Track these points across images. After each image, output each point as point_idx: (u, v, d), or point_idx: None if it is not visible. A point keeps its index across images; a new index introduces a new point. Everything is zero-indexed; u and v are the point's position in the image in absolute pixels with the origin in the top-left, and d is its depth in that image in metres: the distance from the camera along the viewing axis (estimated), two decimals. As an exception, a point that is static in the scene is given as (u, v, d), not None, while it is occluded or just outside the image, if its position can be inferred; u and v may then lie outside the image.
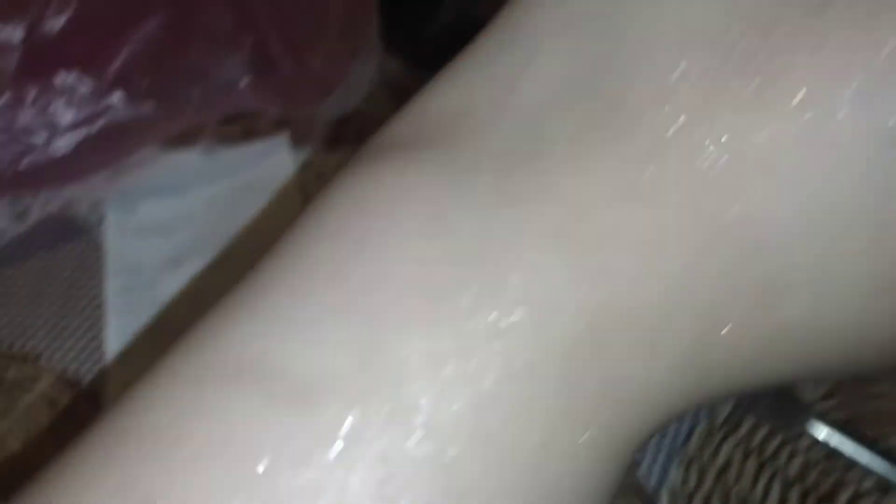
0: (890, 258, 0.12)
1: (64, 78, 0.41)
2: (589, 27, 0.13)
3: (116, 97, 0.40)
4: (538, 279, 0.12)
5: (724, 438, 0.37)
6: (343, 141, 0.48)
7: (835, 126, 0.11)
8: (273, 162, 0.46)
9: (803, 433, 0.36)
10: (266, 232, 0.44)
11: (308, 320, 0.12)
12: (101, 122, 0.40)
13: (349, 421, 0.11)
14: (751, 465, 0.36)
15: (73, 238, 0.44)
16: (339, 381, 0.11)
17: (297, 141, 0.48)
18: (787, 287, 0.12)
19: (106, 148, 0.41)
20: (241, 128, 0.48)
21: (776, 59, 0.12)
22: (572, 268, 0.12)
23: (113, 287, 0.40)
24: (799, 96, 0.11)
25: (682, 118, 0.12)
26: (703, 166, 0.12)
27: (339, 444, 0.11)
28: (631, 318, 0.12)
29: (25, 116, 0.41)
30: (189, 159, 0.46)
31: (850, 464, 0.35)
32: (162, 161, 0.45)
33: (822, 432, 0.36)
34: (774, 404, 0.37)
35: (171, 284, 0.42)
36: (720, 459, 0.37)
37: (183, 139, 0.47)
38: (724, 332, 0.12)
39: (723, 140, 0.12)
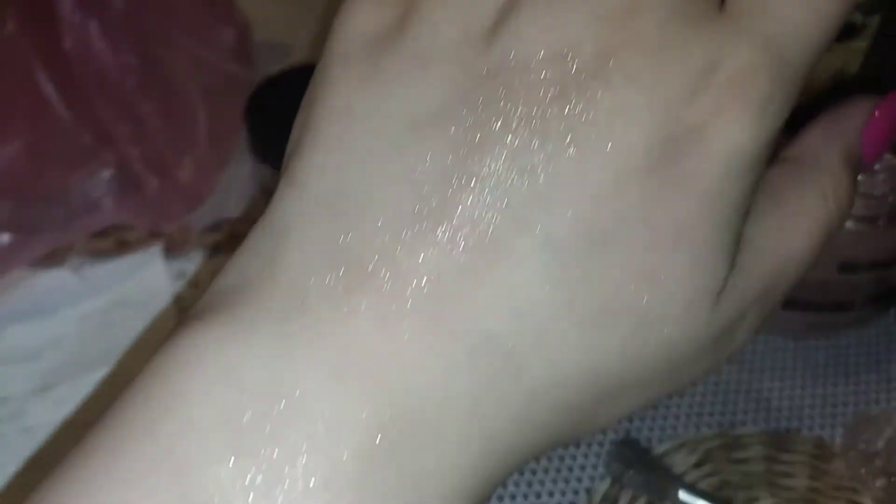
0: (582, 314, 0.15)
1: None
2: (322, 211, 0.16)
3: (-29, 228, 0.40)
4: (323, 407, 0.14)
5: (603, 517, 0.37)
6: (224, 248, 0.48)
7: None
8: (146, 274, 0.46)
9: (676, 503, 0.37)
10: (140, 349, 0.43)
11: (121, 480, 0.14)
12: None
13: None
14: (631, 540, 0.37)
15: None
16: None
17: (173, 251, 0.48)
18: (521, 363, 0.15)
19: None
20: (113, 240, 0.48)
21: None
22: (350, 392, 0.14)
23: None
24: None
25: (391, 276, 0.15)
26: (436, 290, 0.15)
27: None
28: (414, 421, 0.14)
29: None
30: (58, 278, 0.45)
31: (722, 531, 0.36)
32: (29, 282, 0.44)
33: (694, 502, 0.37)
34: (647, 478, 0.38)
35: (41, 412, 0.41)
36: (602, 538, 0.37)
37: (51, 257, 0.46)
38: (487, 409, 0.15)
39: (427, 269, 0.15)
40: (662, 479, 0.38)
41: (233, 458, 0.14)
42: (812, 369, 0.43)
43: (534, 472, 0.39)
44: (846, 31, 0.53)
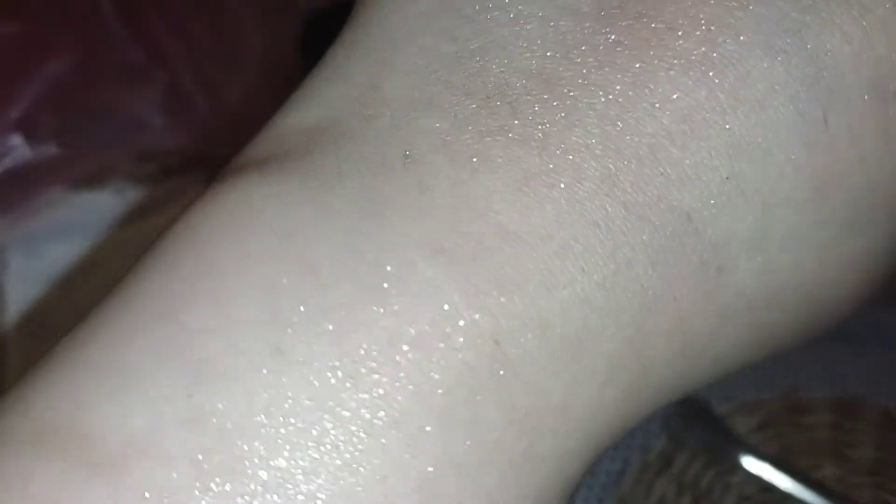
0: (835, 204, 0.11)
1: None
2: (447, 14, 0.11)
3: (17, 139, 0.38)
4: (418, 300, 0.10)
5: (658, 475, 0.36)
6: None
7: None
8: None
9: (737, 467, 0.35)
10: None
11: (123, 374, 0.10)
12: (1, 165, 0.38)
13: (157, 485, 0.09)
14: (685, 500, 0.35)
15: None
16: (151, 442, 0.10)
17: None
18: (726, 263, 0.11)
19: (7, 191, 0.39)
20: (157, 165, 0.47)
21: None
22: (460, 284, 0.10)
23: (17, 338, 0.38)
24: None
25: (548, 104, 0.10)
26: (613, 136, 0.10)
27: None
28: (543, 332, 0.10)
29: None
30: (99, 200, 0.44)
31: (784, 497, 0.34)
32: (69, 202, 0.43)
33: (754, 466, 0.35)
34: (707, 438, 0.36)
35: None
36: (654, 496, 0.36)
37: (94, 179, 0.45)
38: (655, 326, 0.11)
39: (623, 111, 0.10)
40: (724, 441, 0.36)
41: (273, 372, 0.10)
42: (879, 335, 0.42)
43: (590, 423, 0.37)
44: None
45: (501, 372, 0.10)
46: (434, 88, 0.11)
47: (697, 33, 0.10)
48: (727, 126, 0.10)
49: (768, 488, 0.35)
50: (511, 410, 0.10)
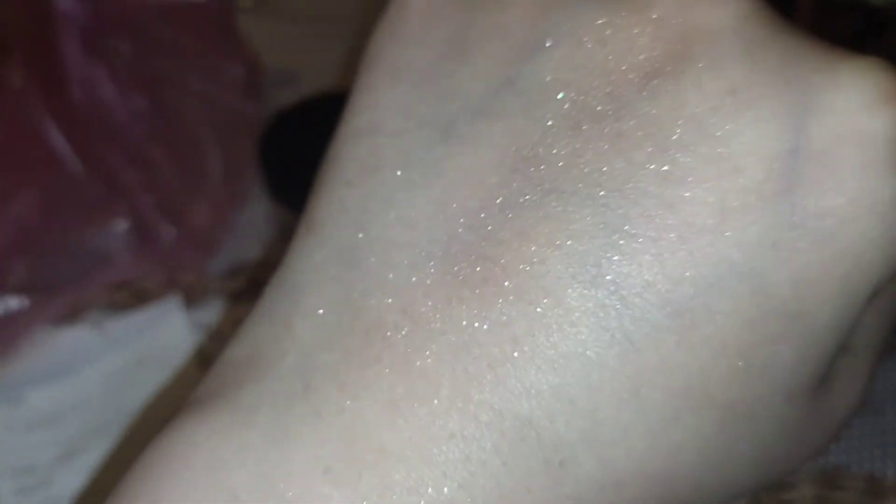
0: (652, 402, 0.13)
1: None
2: (339, 264, 0.14)
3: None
4: None
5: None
6: (244, 294, 0.47)
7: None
8: (167, 327, 0.45)
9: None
10: (163, 406, 0.42)
11: None
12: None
13: None
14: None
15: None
16: None
17: (192, 299, 0.47)
18: (566, 457, 0.13)
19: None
20: (131, 292, 0.47)
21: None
22: (347, 496, 0.12)
23: (7, 490, 0.38)
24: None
25: (412, 336, 0.13)
26: (462, 361, 0.13)
27: None
28: None
29: None
30: (78, 337, 0.44)
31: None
32: (48, 342, 0.44)
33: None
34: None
35: (69, 479, 0.40)
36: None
37: (70, 314, 0.45)
38: None
39: (453, 336, 0.13)
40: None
41: None
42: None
43: None
44: (880, 29, 0.51)
45: None
46: (329, 328, 0.13)
47: (523, 268, 0.12)
48: (552, 345, 0.12)
49: (757, 573, 0.35)
50: None
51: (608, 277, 0.12)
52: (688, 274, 0.12)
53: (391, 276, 0.13)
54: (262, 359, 0.14)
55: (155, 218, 0.45)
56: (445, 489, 0.12)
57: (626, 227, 0.12)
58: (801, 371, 0.13)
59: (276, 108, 0.48)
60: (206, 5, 0.48)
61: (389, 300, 0.13)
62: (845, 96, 0.12)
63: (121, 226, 0.44)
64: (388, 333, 0.13)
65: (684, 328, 0.12)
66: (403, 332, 0.13)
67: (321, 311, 0.14)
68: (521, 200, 0.13)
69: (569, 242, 0.12)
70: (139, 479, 0.14)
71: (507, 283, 0.12)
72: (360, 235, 0.14)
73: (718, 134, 0.12)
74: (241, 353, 0.14)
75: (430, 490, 0.12)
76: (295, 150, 0.47)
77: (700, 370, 0.12)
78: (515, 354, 0.13)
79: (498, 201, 0.13)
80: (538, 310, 0.12)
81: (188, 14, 0.48)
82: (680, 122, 0.12)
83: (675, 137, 0.12)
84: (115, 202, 0.45)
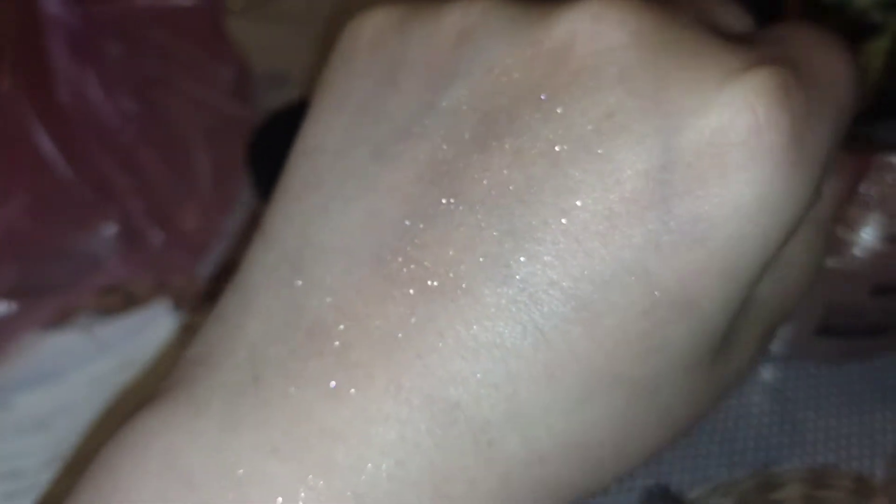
0: (566, 385, 0.14)
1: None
2: (285, 268, 0.15)
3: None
4: (262, 490, 0.14)
5: (637, 571, 0.36)
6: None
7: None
8: (156, 330, 0.45)
9: (713, 555, 0.36)
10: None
11: None
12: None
13: None
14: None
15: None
16: None
17: (180, 302, 0.47)
18: (494, 437, 0.14)
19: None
20: (120, 296, 0.47)
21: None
22: (290, 472, 0.14)
23: (-5, 495, 0.38)
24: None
25: (348, 331, 0.14)
26: (394, 351, 0.14)
27: None
28: (360, 501, 0.14)
29: None
30: (67, 341, 0.44)
31: (762, 584, 0.34)
32: (37, 347, 0.43)
33: (731, 552, 0.35)
34: (681, 528, 0.36)
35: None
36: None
37: (59, 319, 0.45)
38: (453, 490, 0.14)
39: (386, 328, 0.14)
40: (697, 530, 0.36)
41: None
42: (847, 396, 0.42)
43: (562, 530, 0.38)
44: (867, 31, 0.51)
45: None
46: (276, 326, 0.15)
47: (444, 270, 0.14)
48: (472, 336, 0.14)
49: (747, 573, 0.35)
50: None
51: (517, 277, 0.14)
52: (586, 272, 0.14)
53: (329, 278, 0.15)
54: (214, 356, 0.15)
55: (144, 221, 0.45)
56: (384, 466, 0.14)
57: (529, 233, 0.14)
58: (696, 347, 0.15)
59: (266, 110, 0.47)
60: (195, 8, 0.48)
61: (328, 300, 0.14)
62: (706, 116, 0.14)
63: (110, 229, 0.44)
64: (328, 330, 0.14)
65: (588, 320, 0.14)
66: (341, 328, 0.14)
67: (269, 311, 0.15)
68: (440, 210, 0.14)
69: (481, 247, 0.14)
70: (99, 470, 0.15)
71: (430, 283, 0.14)
72: (303, 243, 0.15)
73: (600, 151, 0.14)
74: (197, 352, 0.16)
75: (369, 466, 0.14)
76: (285, 152, 0.47)
77: (606, 355, 0.14)
78: (441, 345, 0.14)
79: (420, 211, 0.14)
80: (459, 306, 0.14)
81: (177, 17, 0.48)
82: (569, 141, 0.14)
83: (564, 155, 0.14)
84: (104, 206, 0.45)
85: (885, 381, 0.42)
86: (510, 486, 0.14)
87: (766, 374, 0.43)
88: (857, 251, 0.38)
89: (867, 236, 0.38)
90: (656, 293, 0.14)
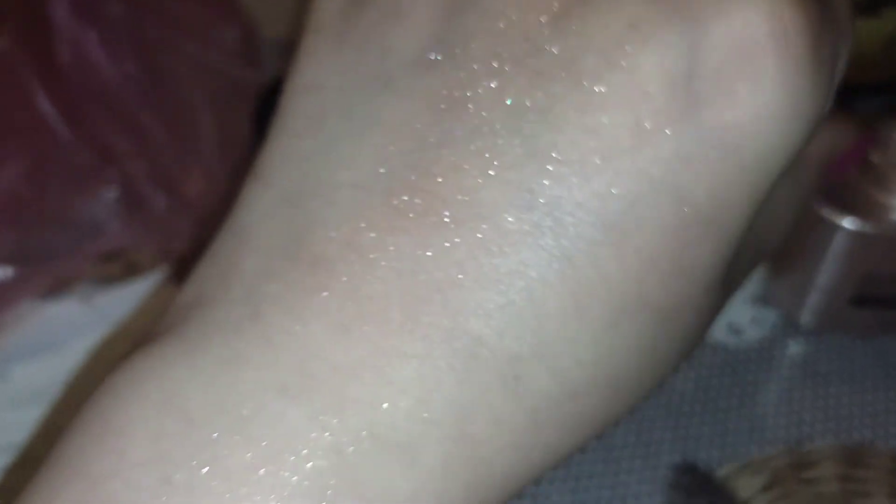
0: (593, 313, 0.13)
1: None
2: (285, 206, 0.15)
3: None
4: (269, 430, 0.13)
5: (663, 551, 0.34)
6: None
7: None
8: (158, 300, 0.43)
9: (744, 534, 0.34)
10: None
11: None
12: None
13: None
14: (694, 574, 0.34)
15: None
16: None
17: (183, 272, 0.45)
18: (521, 372, 0.13)
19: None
20: (121, 264, 0.46)
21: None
22: (301, 410, 0.13)
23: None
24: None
25: (356, 265, 0.13)
26: (410, 285, 0.13)
27: None
28: (375, 441, 0.13)
29: None
30: (66, 309, 0.42)
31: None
32: (36, 315, 0.42)
33: (763, 532, 0.33)
34: (710, 507, 0.34)
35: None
36: (662, 572, 0.34)
37: (58, 286, 0.43)
38: (477, 429, 0.13)
39: (398, 262, 0.13)
40: (727, 508, 0.34)
41: (165, 497, 0.13)
42: (884, 371, 0.40)
43: (584, 507, 0.36)
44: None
45: (347, 473, 0.13)
46: (275, 261, 0.14)
47: (461, 199, 0.13)
48: (494, 267, 0.13)
49: (779, 554, 0.34)
50: (361, 499, 0.13)
51: (541, 201, 0.13)
52: (614, 191, 0.13)
53: (333, 214, 0.14)
54: (208, 295, 0.14)
55: (146, 186, 0.43)
56: (402, 404, 0.13)
57: (552, 154, 0.13)
58: (716, 268, 0.14)
59: (275, 76, 0.46)
60: (199, -33, 0.46)
61: (333, 234, 0.13)
62: (730, 20, 0.13)
63: (111, 193, 0.42)
64: (333, 264, 0.14)
65: (616, 241, 0.13)
66: (348, 262, 0.13)
67: (267, 248, 0.14)
68: (453, 137, 0.14)
69: (501, 172, 0.13)
70: (89, 413, 0.14)
71: (446, 213, 0.13)
72: (305, 180, 0.15)
73: (624, 64, 0.13)
74: (189, 295, 0.15)
75: (386, 405, 0.13)
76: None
77: (634, 278, 0.13)
78: (460, 277, 0.13)
79: (431, 140, 0.14)
80: (478, 235, 0.13)
81: (181, -24, 0.46)
82: (590, 56, 0.13)
83: (587, 70, 0.13)
84: (104, 169, 0.43)
85: (923, 355, 0.40)
86: (538, 423, 0.14)
87: (797, 347, 0.41)
88: (895, 216, 0.36)
89: (908, 200, 0.36)
90: (685, 209, 0.13)
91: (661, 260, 0.14)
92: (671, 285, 0.14)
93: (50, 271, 0.42)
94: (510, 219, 0.13)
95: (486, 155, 0.14)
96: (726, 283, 0.15)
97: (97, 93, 0.44)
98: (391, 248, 0.13)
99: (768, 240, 0.17)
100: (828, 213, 0.36)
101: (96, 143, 0.43)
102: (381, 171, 0.14)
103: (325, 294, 0.13)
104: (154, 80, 0.45)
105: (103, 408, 0.14)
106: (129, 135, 0.44)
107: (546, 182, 0.13)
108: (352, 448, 0.13)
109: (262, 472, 0.13)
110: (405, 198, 0.14)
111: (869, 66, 0.51)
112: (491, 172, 0.13)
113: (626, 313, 0.14)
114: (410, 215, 0.14)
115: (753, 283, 0.42)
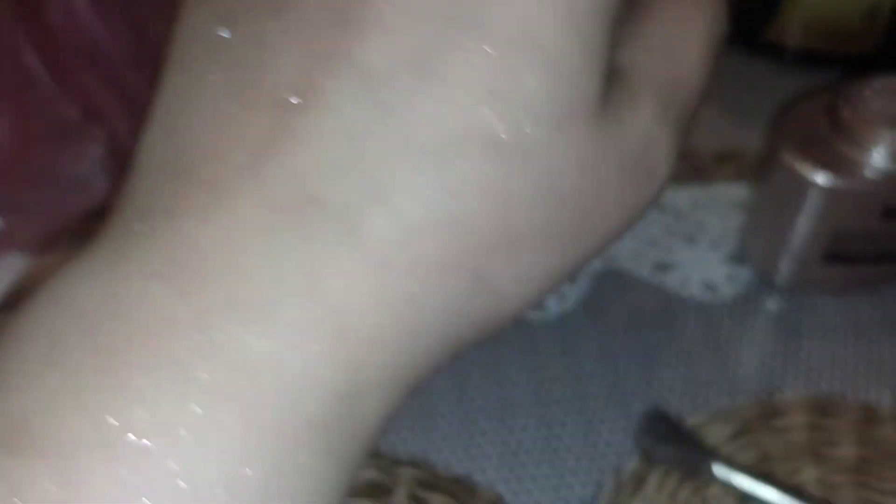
0: (420, 152, 0.14)
1: None
2: (167, 143, 0.16)
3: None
4: (142, 309, 0.14)
5: (632, 496, 0.35)
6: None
7: None
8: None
9: (712, 479, 0.34)
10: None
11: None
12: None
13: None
14: (664, 519, 0.34)
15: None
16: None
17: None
18: (356, 223, 0.14)
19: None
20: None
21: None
22: (167, 286, 0.14)
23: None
24: None
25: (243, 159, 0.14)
26: (258, 169, 0.14)
27: None
28: (233, 306, 0.13)
29: None
30: (52, 265, 0.43)
31: (762, 507, 0.33)
32: (20, 271, 0.42)
33: (730, 476, 0.34)
34: (679, 453, 0.35)
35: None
36: (632, 517, 0.35)
37: (44, 242, 0.44)
38: (332, 285, 0.14)
39: (240, 142, 0.14)
40: (695, 454, 0.35)
41: (50, 375, 0.13)
42: (855, 327, 0.40)
43: (555, 451, 0.36)
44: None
45: (213, 338, 0.13)
46: (158, 179, 0.15)
47: (297, 86, 0.14)
48: (320, 125, 0.14)
49: (747, 498, 0.34)
50: (230, 367, 0.13)
51: (357, 60, 0.14)
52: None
53: (196, 124, 0.15)
54: (107, 224, 0.16)
55: (133, 144, 0.43)
56: (256, 271, 0.14)
57: (361, 14, 0.14)
58: (556, 99, 0.14)
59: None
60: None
61: (202, 141, 0.15)
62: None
63: (97, 150, 0.43)
64: (196, 167, 0.15)
65: (432, 80, 0.14)
66: (206, 162, 0.14)
67: (153, 168, 0.16)
68: (285, 27, 0.14)
69: (320, 47, 0.14)
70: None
71: (287, 99, 0.14)
72: (177, 110, 0.17)
73: None
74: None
75: (242, 276, 0.14)
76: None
77: (455, 110, 0.14)
78: (297, 148, 0.14)
79: (263, 35, 0.15)
80: (300, 98, 0.14)
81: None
82: None
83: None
84: (91, 126, 0.43)
85: (893, 311, 0.41)
86: (388, 273, 0.14)
87: (771, 304, 0.41)
88: (867, 172, 0.37)
89: (878, 156, 0.36)
90: (494, 35, 0.14)
91: (481, 89, 0.14)
92: (502, 117, 0.14)
93: (35, 225, 0.43)
94: (329, 83, 0.14)
95: (302, 37, 0.14)
96: (619, 123, 0.15)
97: (86, 52, 0.45)
98: (239, 140, 0.14)
99: (676, 80, 0.17)
100: (801, 169, 0.37)
101: (83, 100, 0.44)
102: (230, 83, 0.15)
103: (190, 190, 0.15)
104: (144, 40, 0.46)
105: (6, 326, 0.15)
106: (117, 94, 0.44)
107: (356, 46, 0.14)
108: (215, 314, 0.14)
109: (135, 350, 0.14)
110: (249, 94, 0.15)
111: (849, 38, 0.51)
112: (312, 51, 0.14)
113: (459, 149, 0.14)
114: (255, 108, 0.14)
115: (729, 242, 0.42)
